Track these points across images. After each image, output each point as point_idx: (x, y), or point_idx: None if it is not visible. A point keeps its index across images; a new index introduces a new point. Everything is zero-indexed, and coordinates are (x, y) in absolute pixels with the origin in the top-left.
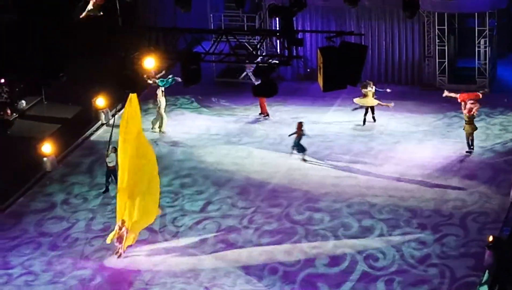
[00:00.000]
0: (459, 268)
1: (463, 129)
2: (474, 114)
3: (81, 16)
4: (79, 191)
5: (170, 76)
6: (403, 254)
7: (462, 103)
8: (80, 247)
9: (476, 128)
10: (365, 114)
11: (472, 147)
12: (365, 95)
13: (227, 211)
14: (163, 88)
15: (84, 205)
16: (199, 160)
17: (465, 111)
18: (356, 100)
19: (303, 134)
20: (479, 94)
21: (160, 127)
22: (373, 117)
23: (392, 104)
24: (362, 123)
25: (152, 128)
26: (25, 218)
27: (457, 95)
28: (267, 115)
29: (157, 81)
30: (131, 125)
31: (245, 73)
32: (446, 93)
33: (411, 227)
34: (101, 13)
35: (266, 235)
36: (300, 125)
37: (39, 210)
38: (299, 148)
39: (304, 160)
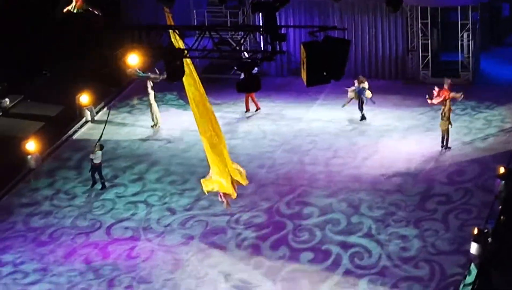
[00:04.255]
0: (445, 264)
1: (442, 125)
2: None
3: (63, 12)
4: (66, 187)
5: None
6: (388, 251)
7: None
8: (66, 243)
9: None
10: (360, 109)
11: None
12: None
13: (215, 207)
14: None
15: (71, 201)
16: (184, 157)
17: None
18: (350, 95)
19: None
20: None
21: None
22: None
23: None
24: (360, 118)
25: (154, 125)
26: (12, 214)
27: (441, 98)
28: (248, 110)
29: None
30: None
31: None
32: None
33: (396, 223)
34: (88, 9)
35: (253, 229)
36: None
37: (26, 205)
38: None
39: None
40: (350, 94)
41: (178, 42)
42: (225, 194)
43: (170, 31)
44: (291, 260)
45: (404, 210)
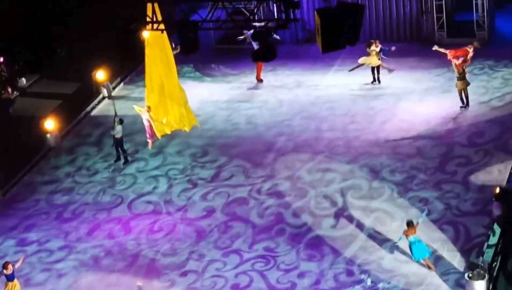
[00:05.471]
0: (469, 226)
1: (455, 85)
2: (465, 69)
3: None
4: (87, 163)
5: None
6: (411, 215)
7: (453, 59)
8: (89, 219)
9: (468, 84)
10: (373, 72)
11: (466, 102)
12: (369, 54)
13: (236, 178)
14: None
15: (92, 177)
16: (203, 129)
17: (455, 68)
18: (360, 60)
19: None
20: (468, 49)
21: None
22: (378, 78)
23: (392, 70)
24: (371, 81)
25: None
26: (35, 192)
27: (447, 51)
28: (261, 81)
29: None
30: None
31: (242, 37)
32: (436, 47)
33: (418, 186)
34: None
35: (275, 198)
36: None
37: (48, 183)
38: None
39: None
40: (360, 60)
41: (155, 14)
42: (152, 134)
43: (148, 4)
44: (314, 227)
45: (424, 173)
